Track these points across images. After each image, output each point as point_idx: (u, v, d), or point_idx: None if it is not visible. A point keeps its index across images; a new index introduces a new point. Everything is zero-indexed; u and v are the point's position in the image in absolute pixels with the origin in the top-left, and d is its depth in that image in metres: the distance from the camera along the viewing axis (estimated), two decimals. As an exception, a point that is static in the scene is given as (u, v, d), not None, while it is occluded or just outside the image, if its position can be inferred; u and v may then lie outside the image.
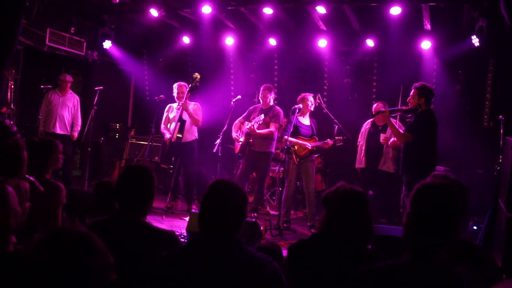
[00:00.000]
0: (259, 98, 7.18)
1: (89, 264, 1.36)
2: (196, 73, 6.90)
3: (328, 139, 6.74)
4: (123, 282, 2.28)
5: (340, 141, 6.76)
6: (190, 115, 7.10)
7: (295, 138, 6.64)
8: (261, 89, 7.14)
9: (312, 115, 6.96)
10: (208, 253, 2.04)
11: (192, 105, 7.29)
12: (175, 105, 7.34)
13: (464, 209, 1.83)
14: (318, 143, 6.70)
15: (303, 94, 6.79)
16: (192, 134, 7.32)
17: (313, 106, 6.78)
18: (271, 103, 7.12)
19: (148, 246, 2.41)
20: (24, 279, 1.32)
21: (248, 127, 6.93)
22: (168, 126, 7.35)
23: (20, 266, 1.35)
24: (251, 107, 7.27)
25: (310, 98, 6.76)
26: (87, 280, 1.35)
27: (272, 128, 6.93)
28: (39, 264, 1.33)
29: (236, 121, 7.26)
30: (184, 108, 6.99)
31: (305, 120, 6.81)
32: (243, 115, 7.25)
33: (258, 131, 6.84)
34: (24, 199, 2.53)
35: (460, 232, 1.84)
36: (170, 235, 2.51)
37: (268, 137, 6.97)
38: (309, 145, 6.62)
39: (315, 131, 6.81)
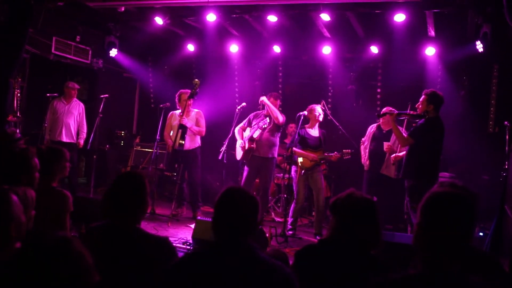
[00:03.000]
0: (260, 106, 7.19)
1: (66, 267, 1.35)
2: (196, 79, 6.92)
3: (336, 152, 6.66)
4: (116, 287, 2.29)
5: (347, 154, 6.68)
6: (190, 129, 7.15)
7: (303, 150, 6.64)
8: (271, 97, 7.14)
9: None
10: (220, 258, 2.06)
11: (194, 113, 7.31)
12: (178, 112, 7.38)
13: (475, 217, 1.80)
14: (324, 156, 6.65)
15: (310, 106, 6.78)
16: (195, 141, 7.35)
17: (321, 116, 6.73)
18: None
19: (141, 252, 2.42)
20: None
21: (255, 136, 6.92)
22: (171, 134, 7.39)
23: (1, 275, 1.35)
24: (252, 114, 7.28)
25: (318, 108, 6.73)
26: (66, 283, 1.35)
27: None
28: (16, 271, 1.33)
29: (238, 128, 7.23)
30: (181, 122, 7.01)
31: (314, 131, 6.78)
32: (244, 122, 7.25)
33: (267, 101, 6.86)
34: (30, 207, 2.53)
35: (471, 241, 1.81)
36: (163, 241, 2.52)
37: (273, 142, 7.01)
38: (315, 156, 6.58)
39: (323, 142, 6.77)
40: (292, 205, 6.73)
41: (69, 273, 1.36)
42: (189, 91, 7.18)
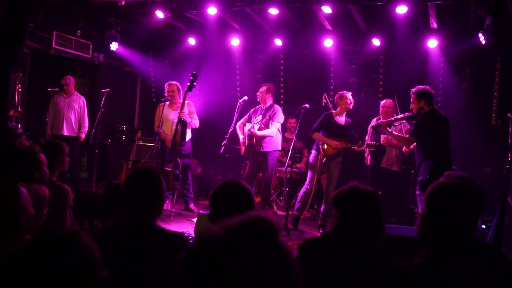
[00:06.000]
0: (259, 99, 7.18)
1: (74, 260, 1.36)
2: (194, 72, 6.82)
3: (360, 142, 6.49)
4: (135, 285, 2.29)
5: (372, 146, 6.49)
6: (190, 124, 7.10)
7: (327, 136, 6.49)
8: (262, 90, 7.14)
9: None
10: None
11: (185, 105, 7.15)
12: (166, 103, 7.29)
13: (479, 209, 1.81)
14: (348, 145, 6.47)
15: (341, 92, 6.61)
16: (188, 134, 7.29)
17: (352, 104, 6.54)
18: (270, 102, 7.17)
19: (160, 249, 2.41)
20: (13, 281, 1.32)
21: (247, 129, 6.95)
22: (163, 128, 7.27)
23: (9, 269, 1.35)
24: (252, 110, 7.30)
25: (349, 96, 6.53)
26: (74, 277, 1.34)
27: (272, 127, 6.98)
28: (25, 265, 1.33)
29: (239, 123, 7.24)
30: (181, 116, 6.86)
31: (341, 119, 6.60)
32: (245, 117, 7.27)
33: (259, 132, 6.88)
34: (43, 206, 2.55)
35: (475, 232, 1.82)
36: (180, 237, 2.52)
37: (270, 136, 7.03)
38: (338, 145, 6.42)
39: (348, 131, 6.64)
40: (302, 190, 6.58)
41: (76, 266, 1.36)
42: (178, 84, 7.22)
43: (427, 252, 1.81)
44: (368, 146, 6.53)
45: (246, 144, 7.07)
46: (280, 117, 7.09)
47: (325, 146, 6.47)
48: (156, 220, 2.57)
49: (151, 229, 2.48)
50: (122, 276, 2.34)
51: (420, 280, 1.74)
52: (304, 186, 6.62)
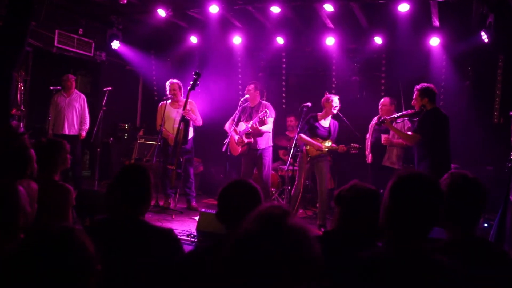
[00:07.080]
0: (249, 98, 7.18)
1: (69, 256, 1.37)
2: (197, 71, 6.81)
3: (343, 145, 6.53)
4: (121, 279, 2.30)
5: (355, 149, 6.57)
6: (194, 122, 7.12)
7: (310, 138, 6.58)
8: (251, 88, 7.14)
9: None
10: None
11: (187, 106, 7.15)
12: (168, 102, 7.27)
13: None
14: (331, 146, 6.55)
15: (327, 95, 6.65)
16: (190, 132, 7.29)
17: (337, 108, 6.57)
18: (258, 100, 7.22)
19: (146, 245, 2.43)
20: (8, 279, 1.33)
21: (249, 126, 6.94)
22: (164, 125, 7.23)
23: (4, 268, 1.36)
24: (239, 108, 7.27)
25: (336, 100, 6.56)
26: (69, 272, 1.36)
27: (269, 123, 7.04)
28: (20, 263, 1.34)
29: (227, 124, 7.25)
30: (186, 115, 6.86)
31: (325, 122, 6.67)
32: (234, 118, 7.26)
33: (261, 128, 6.94)
34: (33, 201, 2.55)
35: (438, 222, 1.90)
36: (167, 233, 2.53)
37: (268, 132, 7.07)
38: (321, 146, 6.52)
39: (333, 133, 6.68)
40: (292, 191, 6.69)
41: (72, 262, 1.37)
42: (179, 82, 7.25)
43: (387, 239, 1.90)
44: (351, 148, 6.57)
45: (245, 142, 7.04)
46: (273, 112, 7.14)
47: (308, 147, 6.57)
48: (144, 215, 2.59)
49: (138, 224, 2.50)
50: (109, 271, 2.35)
51: (379, 268, 1.81)
52: (293, 189, 6.72)
